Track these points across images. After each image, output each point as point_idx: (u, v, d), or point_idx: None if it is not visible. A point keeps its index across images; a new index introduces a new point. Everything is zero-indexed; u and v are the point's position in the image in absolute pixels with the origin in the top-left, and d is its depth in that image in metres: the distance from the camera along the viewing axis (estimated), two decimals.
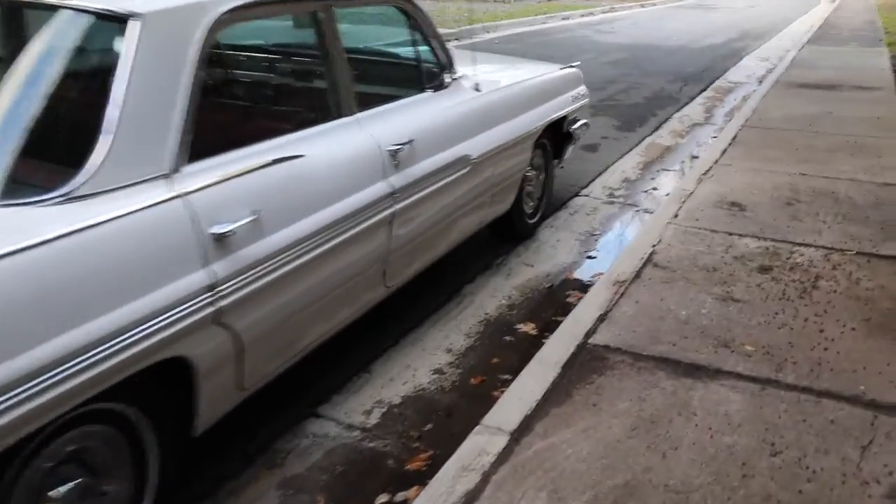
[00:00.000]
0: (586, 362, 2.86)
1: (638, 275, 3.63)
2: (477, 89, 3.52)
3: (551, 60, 4.91)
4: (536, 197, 4.53)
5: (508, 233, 4.32)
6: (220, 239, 1.99)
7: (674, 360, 2.88)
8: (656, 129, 7.49)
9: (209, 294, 1.96)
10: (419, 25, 3.18)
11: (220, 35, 2.15)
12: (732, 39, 15.87)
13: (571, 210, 5.05)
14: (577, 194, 5.38)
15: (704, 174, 5.30)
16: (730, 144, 6.18)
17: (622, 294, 3.43)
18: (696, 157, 6.41)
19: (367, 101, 2.81)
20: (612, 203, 5.23)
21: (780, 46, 14.56)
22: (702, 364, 2.85)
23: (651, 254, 3.88)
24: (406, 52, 3.38)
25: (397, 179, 2.77)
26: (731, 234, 4.18)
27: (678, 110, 8.40)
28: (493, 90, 3.64)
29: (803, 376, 2.78)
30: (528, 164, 4.13)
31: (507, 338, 3.38)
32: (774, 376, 2.78)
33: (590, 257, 4.30)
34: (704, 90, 9.75)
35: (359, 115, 2.72)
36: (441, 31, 11.98)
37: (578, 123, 4.79)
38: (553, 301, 3.75)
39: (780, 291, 3.46)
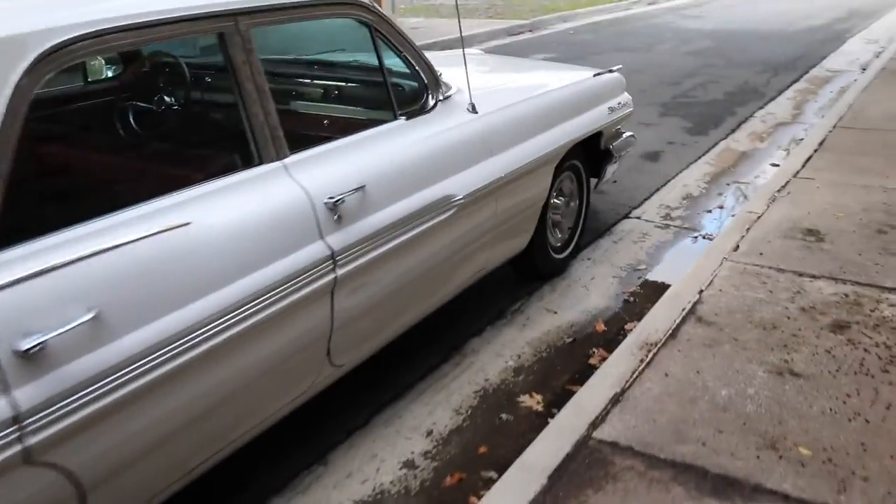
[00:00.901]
0: (583, 469, 2.22)
1: (674, 333, 2.94)
2: (473, 110, 2.91)
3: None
4: (567, 227, 3.87)
5: (530, 271, 3.69)
6: (27, 356, 1.48)
7: (699, 468, 2.21)
8: (733, 130, 6.63)
9: (15, 428, 1.47)
10: (387, 38, 2.60)
11: (52, 76, 1.64)
12: (837, 20, 14.45)
13: (616, 236, 4.35)
14: (626, 215, 4.67)
15: (779, 191, 4.49)
16: (815, 151, 5.30)
17: (649, 362, 2.76)
18: (775, 166, 5.55)
19: (302, 141, 2.26)
20: (667, 227, 4.49)
21: (894, 26, 13.12)
22: (736, 476, 2.17)
23: (696, 302, 3.17)
24: (369, 73, 2.81)
25: (338, 238, 2.20)
26: (801, 274, 3.41)
27: (762, 107, 7.47)
28: (495, 110, 3.02)
29: (877, 502, 2.06)
30: (550, 192, 3.49)
31: (505, 416, 2.77)
32: (835, 501, 2.07)
33: (627, 301, 3.62)
34: (796, 81, 8.71)
35: (287, 159, 2.17)
36: (512, 22, 11.46)
37: (621, 138, 4.09)
38: (571, 363, 3.11)
39: (858, 362, 2.71)
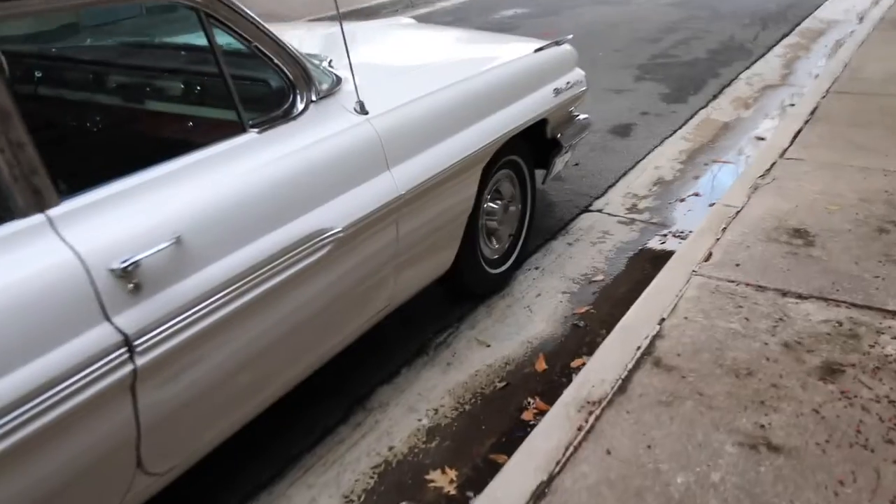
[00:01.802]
0: None
1: (623, 387, 2.34)
2: (362, 110, 2.27)
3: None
4: (508, 235, 3.25)
5: (460, 291, 3.08)
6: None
7: None
8: (715, 96, 5.95)
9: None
10: (230, 26, 1.94)
11: None
12: None
13: (572, 236, 3.73)
14: (586, 208, 4.04)
15: (762, 176, 3.86)
16: (806, 122, 4.65)
17: (589, 430, 2.17)
18: (761, 140, 4.91)
19: (84, 180, 1.62)
20: (632, 223, 3.87)
21: None
22: None
23: (654, 337, 2.57)
24: (203, 73, 2.15)
25: (134, 317, 1.58)
26: (785, 293, 2.80)
27: (748, 67, 6.78)
28: (394, 107, 2.37)
29: None
30: (481, 197, 2.86)
31: None
32: None
33: (577, 326, 3.01)
34: (787, 35, 7.99)
35: (54, 210, 1.54)
36: None
37: (573, 124, 3.44)
38: (500, 418, 2.52)
39: (854, 427, 2.12)
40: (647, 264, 3.44)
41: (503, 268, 3.22)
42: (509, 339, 2.92)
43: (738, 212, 3.49)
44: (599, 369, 2.45)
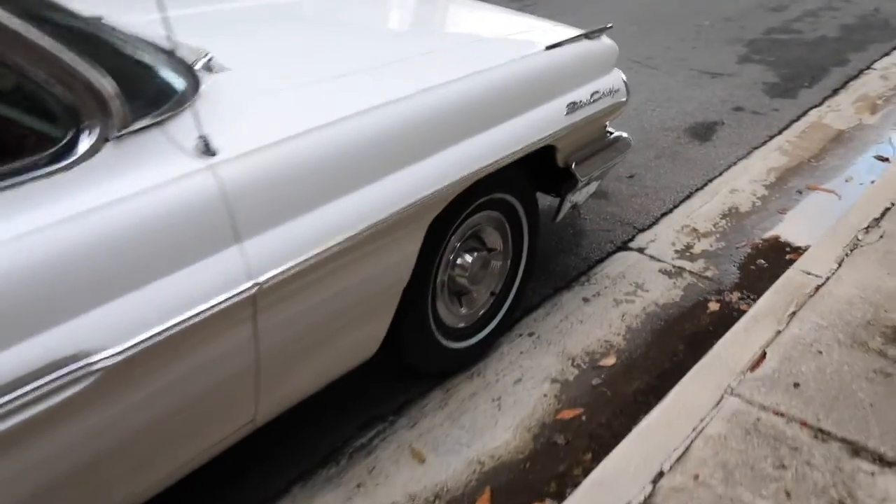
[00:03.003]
0: None
1: None
2: (205, 150, 1.49)
3: None
4: (488, 293, 2.43)
5: (405, 368, 2.31)
6: None
7: None
8: (835, 91, 4.78)
9: None
10: None
11: None
12: None
13: (594, 287, 2.85)
14: (625, 244, 3.14)
15: (868, 229, 2.84)
16: None
17: None
18: (882, 161, 3.81)
19: None
20: (678, 274, 2.94)
21: None
22: None
23: None
24: None
25: None
26: (858, 449, 1.88)
27: (887, 53, 5.48)
28: (263, 145, 1.58)
29: None
30: (440, 255, 2.07)
31: None
32: None
33: (555, 445, 2.18)
34: None
35: None
36: None
37: (603, 147, 2.55)
38: None
39: None
40: (682, 346, 2.54)
41: (475, 339, 2.41)
42: (455, 452, 2.13)
43: (820, 286, 2.53)
44: None
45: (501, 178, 2.19)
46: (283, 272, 1.55)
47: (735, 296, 2.80)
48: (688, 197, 3.51)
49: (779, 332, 2.31)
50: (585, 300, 2.78)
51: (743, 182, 3.65)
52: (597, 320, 2.66)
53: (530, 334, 2.59)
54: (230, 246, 1.50)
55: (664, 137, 4.11)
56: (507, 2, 6.56)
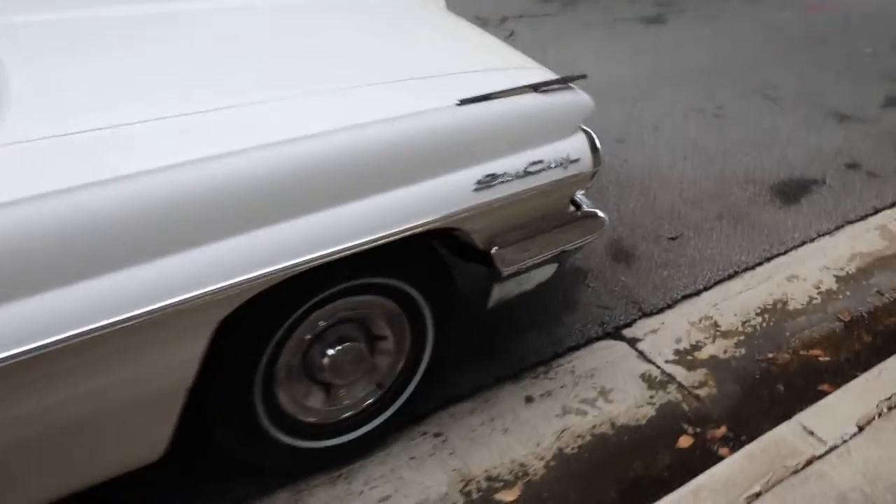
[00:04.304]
0: None
1: None
2: None
3: None
4: (374, 383, 2.00)
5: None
6: None
7: None
8: None
9: None
10: None
11: None
12: None
13: (547, 384, 2.33)
14: (616, 331, 2.57)
15: None
16: None
17: None
18: None
19: None
20: (663, 385, 2.34)
21: None
22: None
23: None
24: None
25: None
26: None
27: None
28: None
29: None
30: (264, 351, 1.68)
31: None
32: None
33: None
34: None
35: None
36: None
37: (556, 226, 2.04)
38: None
39: None
40: (614, 495, 1.99)
41: (350, 436, 2.00)
42: None
43: (815, 459, 1.89)
44: None
45: (379, 263, 1.76)
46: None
47: (719, 432, 2.18)
48: (729, 277, 2.85)
49: None
50: (528, 400, 2.27)
51: (811, 267, 2.91)
52: (527, 432, 2.16)
53: (436, 434, 2.14)
54: None
55: (740, 192, 3.40)
56: (650, 4, 5.86)
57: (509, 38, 5.11)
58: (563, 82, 1.94)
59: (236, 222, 1.46)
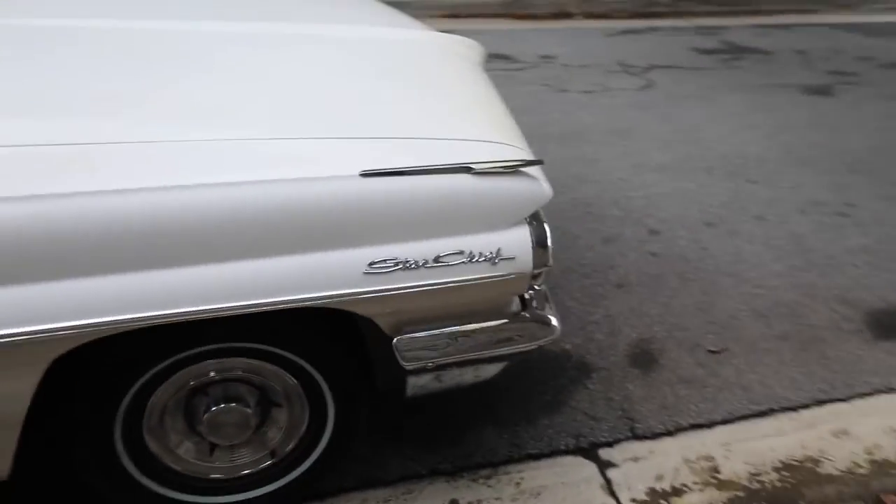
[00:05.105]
0: None
1: None
2: None
3: None
4: (267, 450, 1.87)
5: None
6: None
7: None
8: None
9: None
10: None
11: None
12: None
13: (481, 492, 2.07)
14: (590, 448, 2.25)
15: None
16: None
17: None
18: None
19: None
20: None
21: None
22: None
23: None
24: None
25: None
26: None
27: None
28: None
29: None
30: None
31: None
32: None
33: None
34: None
35: None
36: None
37: (490, 329, 1.81)
38: None
39: None
40: None
41: (235, 497, 1.88)
42: None
43: None
44: None
45: (258, 330, 1.63)
46: None
47: None
48: (760, 414, 2.41)
49: None
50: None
51: (872, 426, 2.39)
52: None
53: None
54: None
55: (826, 311, 2.89)
56: (825, 71, 5.20)
57: (643, 89, 4.74)
58: (514, 167, 1.69)
59: (77, 264, 1.39)
